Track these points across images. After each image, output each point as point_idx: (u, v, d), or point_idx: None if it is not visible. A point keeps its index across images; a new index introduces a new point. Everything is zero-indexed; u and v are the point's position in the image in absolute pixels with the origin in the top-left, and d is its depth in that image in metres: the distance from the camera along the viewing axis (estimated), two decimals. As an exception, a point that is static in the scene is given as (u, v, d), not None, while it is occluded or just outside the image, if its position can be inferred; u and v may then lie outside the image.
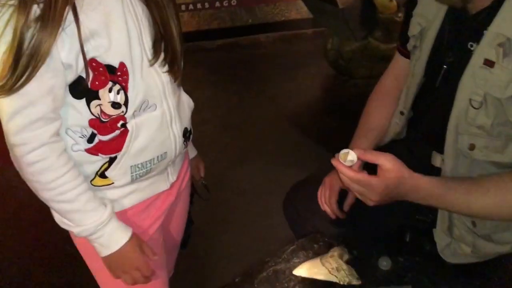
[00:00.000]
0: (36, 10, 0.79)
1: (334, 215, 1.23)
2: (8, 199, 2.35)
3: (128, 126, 0.95)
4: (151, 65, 0.96)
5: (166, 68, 0.99)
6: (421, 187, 0.94)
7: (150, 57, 0.95)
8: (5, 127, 0.86)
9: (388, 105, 1.29)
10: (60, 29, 0.81)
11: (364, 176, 0.92)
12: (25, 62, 0.79)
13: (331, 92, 3.35)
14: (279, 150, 2.69)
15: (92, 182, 0.98)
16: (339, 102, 3.15)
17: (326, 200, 1.23)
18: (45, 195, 0.92)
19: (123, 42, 0.90)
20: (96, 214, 0.95)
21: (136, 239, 1.00)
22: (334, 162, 0.94)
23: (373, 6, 2.89)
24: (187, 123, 1.10)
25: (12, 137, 0.86)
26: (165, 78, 0.99)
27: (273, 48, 3.96)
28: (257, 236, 2.03)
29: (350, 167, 0.93)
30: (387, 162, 0.91)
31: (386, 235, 1.21)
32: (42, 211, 1.04)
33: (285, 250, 1.20)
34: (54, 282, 1.93)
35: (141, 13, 0.94)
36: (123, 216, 1.02)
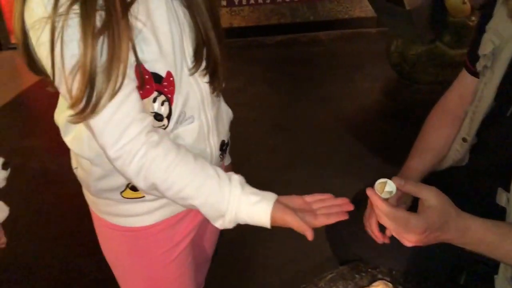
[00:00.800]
0: (98, 18, 0.72)
1: (377, 237, 1.11)
2: (58, 188, 2.41)
3: None
4: (191, 74, 0.89)
5: (207, 78, 0.91)
6: (470, 230, 0.82)
7: (190, 65, 0.88)
8: (100, 141, 0.81)
9: (449, 125, 1.17)
10: (132, 33, 0.75)
11: (401, 212, 0.81)
12: (104, 78, 0.72)
13: (391, 97, 3.19)
14: (331, 156, 2.58)
15: (122, 194, 0.93)
16: (400, 109, 2.98)
17: (366, 219, 1.12)
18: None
19: (169, 49, 0.83)
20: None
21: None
22: (369, 193, 0.84)
23: (444, 8, 2.71)
24: (225, 136, 1.02)
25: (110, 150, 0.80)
26: (205, 88, 0.92)
27: (333, 46, 3.84)
28: (299, 248, 1.93)
29: (387, 199, 0.83)
30: (431, 197, 0.80)
31: (438, 273, 1.09)
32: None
33: (323, 278, 1.11)
34: (96, 275, 1.94)
35: (182, 17, 0.86)
36: (151, 230, 0.97)
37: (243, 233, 1.30)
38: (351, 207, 0.88)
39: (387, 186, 0.85)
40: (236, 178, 0.87)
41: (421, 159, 1.16)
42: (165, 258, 1.02)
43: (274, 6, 3.86)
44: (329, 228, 1.23)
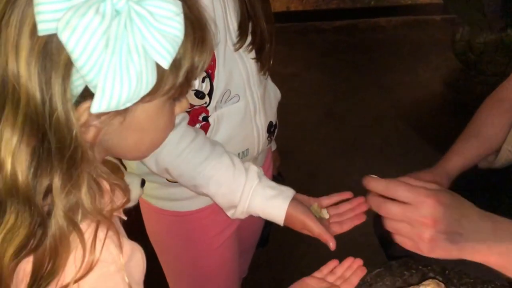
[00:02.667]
0: None
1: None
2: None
3: (210, 119, 0.87)
4: (236, 49, 0.86)
5: (252, 54, 0.88)
6: (498, 223, 0.65)
7: (235, 40, 0.85)
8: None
9: (503, 113, 1.09)
10: None
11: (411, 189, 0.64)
12: None
13: (454, 89, 3.02)
14: (386, 147, 2.48)
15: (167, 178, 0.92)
16: (462, 101, 2.82)
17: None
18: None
19: (211, 24, 0.81)
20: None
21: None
22: (365, 180, 0.69)
23: (518, -6, 2.53)
24: (272, 117, 0.99)
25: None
26: (251, 66, 0.89)
27: (394, 33, 3.69)
28: (346, 240, 1.89)
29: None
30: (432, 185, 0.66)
31: (498, 276, 1.01)
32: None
33: (369, 272, 1.06)
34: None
35: None
36: (197, 216, 0.96)
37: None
38: (365, 207, 0.82)
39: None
40: (254, 169, 0.83)
41: (467, 143, 1.09)
42: (210, 244, 1.01)
43: (334, -10, 3.76)
44: (376, 222, 1.18)
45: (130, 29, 0.49)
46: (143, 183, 0.93)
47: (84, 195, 0.53)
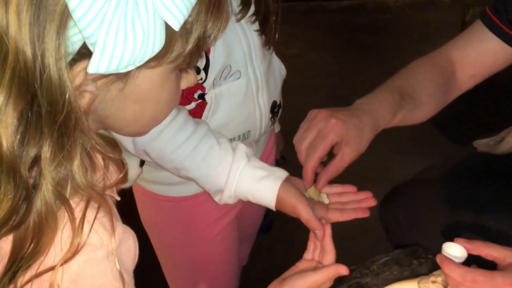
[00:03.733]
0: None
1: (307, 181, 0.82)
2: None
3: (207, 97, 0.81)
4: (238, 20, 0.78)
5: (256, 26, 0.81)
6: None
7: (236, 9, 0.78)
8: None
9: (434, 79, 0.94)
10: None
11: (482, 272, 0.68)
12: None
13: (463, 71, 2.96)
14: (395, 133, 2.41)
15: None
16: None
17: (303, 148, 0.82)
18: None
19: None
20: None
21: None
22: (439, 259, 0.73)
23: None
24: (276, 96, 0.92)
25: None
26: (254, 39, 0.82)
27: (402, 14, 3.61)
28: (352, 230, 1.85)
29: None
30: (509, 255, 0.69)
31: None
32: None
33: (375, 261, 1.02)
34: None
35: None
36: (193, 201, 0.90)
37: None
38: (373, 203, 0.77)
39: (452, 250, 0.75)
40: (243, 148, 0.76)
41: (388, 92, 0.93)
42: (208, 232, 0.96)
43: (340, -31, 3.68)
44: (383, 209, 1.13)
45: None
46: (142, 162, 0.87)
47: (76, 167, 0.48)
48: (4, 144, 0.45)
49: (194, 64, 0.55)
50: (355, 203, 0.78)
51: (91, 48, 0.44)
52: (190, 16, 0.48)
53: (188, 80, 0.56)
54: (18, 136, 0.45)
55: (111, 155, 0.53)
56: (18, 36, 0.42)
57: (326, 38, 3.34)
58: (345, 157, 0.79)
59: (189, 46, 0.50)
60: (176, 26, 0.46)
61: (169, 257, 0.97)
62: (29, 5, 0.42)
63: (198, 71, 0.78)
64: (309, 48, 3.12)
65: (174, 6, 0.45)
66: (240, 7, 0.77)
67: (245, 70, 0.82)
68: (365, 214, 0.77)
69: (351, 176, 0.96)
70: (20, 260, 0.47)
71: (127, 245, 0.53)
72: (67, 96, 0.45)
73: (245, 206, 1.01)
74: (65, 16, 0.43)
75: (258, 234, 1.21)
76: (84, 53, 0.45)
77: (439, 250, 1.00)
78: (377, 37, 3.31)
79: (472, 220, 0.99)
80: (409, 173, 1.19)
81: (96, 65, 0.43)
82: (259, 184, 0.75)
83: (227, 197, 0.77)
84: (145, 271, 0.65)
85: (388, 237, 1.16)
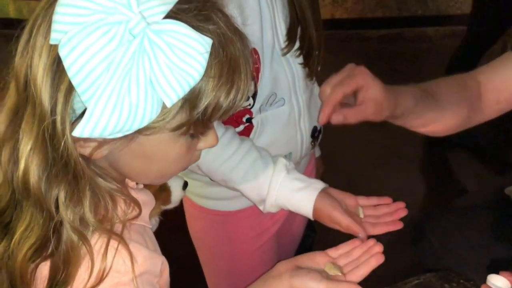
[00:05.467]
0: None
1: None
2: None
3: (254, 121, 0.89)
4: (284, 54, 0.87)
5: (300, 59, 0.89)
6: None
7: (283, 44, 0.87)
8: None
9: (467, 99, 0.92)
10: None
11: None
12: None
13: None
14: (428, 157, 2.44)
15: None
16: (510, 113, 2.73)
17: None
18: None
19: (256, 26, 0.82)
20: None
21: None
22: None
23: None
24: (317, 122, 1.00)
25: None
26: (298, 71, 0.90)
27: (441, 43, 3.60)
28: (385, 251, 1.86)
29: None
30: None
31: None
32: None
33: (407, 283, 1.04)
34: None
35: None
36: (238, 216, 0.98)
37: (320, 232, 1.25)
38: (404, 213, 0.79)
39: (497, 281, 0.77)
40: (283, 162, 0.82)
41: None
42: (250, 245, 1.02)
43: (380, -2, 3.72)
44: (417, 233, 1.16)
45: (138, 58, 0.46)
46: (185, 185, 0.95)
47: (86, 209, 0.53)
48: (31, 180, 0.51)
49: (207, 130, 0.56)
50: (389, 216, 0.81)
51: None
52: (193, 92, 0.49)
53: (206, 142, 0.58)
54: (45, 175, 0.52)
55: (124, 197, 0.57)
56: (43, 90, 0.49)
57: (365, 65, 3.36)
58: (368, 107, 0.77)
59: (194, 118, 0.51)
60: (168, 104, 0.48)
61: (212, 265, 1.04)
62: (51, 66, 0.49)
63: (247, 98, 0.86)
64: (348, 75, 3.17)
65: (169, 85, 0.47)
66: (286, 43, 0.86)
67: (289, 98, 0.90)
68: (397, 227, 0.79)
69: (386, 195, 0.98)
70: (56, 284, 0.54)
71: (154, 270, 0.59)
72: (67, 144, 0.50)
73: (284, 226, 1.07)
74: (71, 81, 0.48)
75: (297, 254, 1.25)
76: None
77: (472, 276, 1.01)
78: (416, 66, 3.32)
79: (506, 252, 1.00)
80: (440, 197, 1.21)
81: (80, 130, 0.47)
82: (297, 194, 0.80)
83: (269, 206, 0.84)
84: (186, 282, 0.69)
85: (421, 261, 1.18)
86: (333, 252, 0.73)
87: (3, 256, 0.56)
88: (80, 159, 0.52)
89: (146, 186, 0.68)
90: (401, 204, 0.81)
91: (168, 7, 0.48)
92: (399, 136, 2.60)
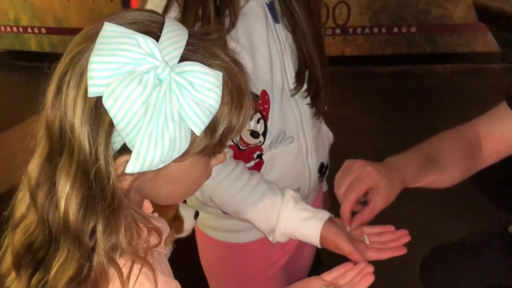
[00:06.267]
0: None
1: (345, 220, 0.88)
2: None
3: (264, 157, 0.93)
4: (292, 95, 0.93)
5: (307, 100, 0.94)
6: None
7: (291, 86, 0.92)
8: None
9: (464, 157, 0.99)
10: None
11: None
12: None
13: (512, 138, 2.92)
14: (439, 195, 2.43)
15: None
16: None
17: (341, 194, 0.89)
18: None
19: (266, 69, 0.88)
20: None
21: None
22: None
23: None
24: (324, 158, 1.04)
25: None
26: (306, 110, 0.95)
27: (451, 81, 3.64)
28: (389, 284, 1.85)
29: None
30: None
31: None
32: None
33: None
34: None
35: (284, 39, 0.91)
36: (248, 247, 1.01)
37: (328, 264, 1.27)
38: (407, 238, 0.83)
39: None
40: (290, 193, 0.87)
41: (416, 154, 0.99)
42: (260, 276, 1.05)
43: (389, 36, 3.79)
44: (424, 268, 1.18)
45: (168, 98, 0.53)
46: (196, 215, 1.00)
47: (121, 237, 0.59)
48: (71, 218, 0.57)
49: (222, 150, 0.64)
50: (392, 243, 0.85)
51: (130, 148, 0.55)
52: (214, 118, 0.57)
53: (218, 159, 0.65)
54: (81, 213, 0.57)
55: (149, 226, 0.63)
56: (81, 136, 0.55)
57: (375, 101, 3.41)
58: (377, 205, 0.87)
59: (214, 141, 0.59)
60: (197, 132, 0.56)
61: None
62: (89, 115, 0.55)
63: (257, 135, 0.91)
64: (358, 111, 3.20)
65: (196, 116, 0.55)
66: (295, 85, 0.91)
67: (297, 136, 0.95)
68: (402, 252, 0.83)
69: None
70: None
71: None
72: (111, 182, 0.56)
73: (293, 257, 1.10)
74: (111, 124, 0.54)
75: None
76: (125, 149, 0.56)
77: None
78: (425, 102, 3.35)
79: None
80: (457, 237, 1.22)
81: (132, 166, 0.54)
82: (304, 224, 0.85)
83: (278, 235, 0.88)
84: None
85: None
86: (328, 275, 0.78)
87: None
88: (121, 191, 0.58)
89: (161, 215, 0.74)
90: (404, 231, 0.86)
91: (180, 51, 0.56)
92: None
